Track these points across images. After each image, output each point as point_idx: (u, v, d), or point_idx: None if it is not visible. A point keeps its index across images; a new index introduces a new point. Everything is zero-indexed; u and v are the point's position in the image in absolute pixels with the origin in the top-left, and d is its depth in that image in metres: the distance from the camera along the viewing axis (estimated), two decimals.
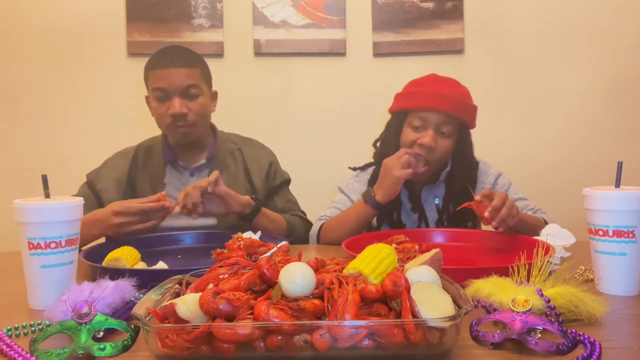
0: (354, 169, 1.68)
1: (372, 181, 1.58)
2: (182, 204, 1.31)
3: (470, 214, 1.48)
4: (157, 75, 1.44)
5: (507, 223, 1.25)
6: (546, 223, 1.43)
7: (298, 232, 1.55)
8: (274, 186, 1.62)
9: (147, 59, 1.50)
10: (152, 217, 1.30)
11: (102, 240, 1.38)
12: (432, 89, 1.47)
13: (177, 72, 1.43)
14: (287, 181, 1.68)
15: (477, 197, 1.27)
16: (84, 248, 1.24)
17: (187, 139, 1.50)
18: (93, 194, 1.51)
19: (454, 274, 0.81)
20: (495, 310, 0.74)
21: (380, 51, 2.23)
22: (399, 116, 1.53)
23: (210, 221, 1.51)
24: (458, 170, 1.55)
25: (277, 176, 1.64)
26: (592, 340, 0.66)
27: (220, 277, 0.72)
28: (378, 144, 1.64)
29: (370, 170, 1.63)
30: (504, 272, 0.83)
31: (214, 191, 1.32)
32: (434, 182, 1.57)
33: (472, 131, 1.58)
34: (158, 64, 1.45)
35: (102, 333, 0.72)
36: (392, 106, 1.57)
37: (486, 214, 1.23)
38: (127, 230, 1.29)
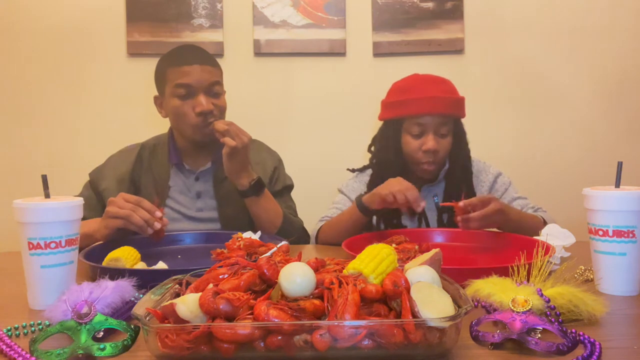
0: (353, 170, 1.68)
1: (372, 183, 1.58)
2: (225, 126, 1.32)
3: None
4: (181, 72, 1.41)
5: (472, 229, 1.30)
6: (545, 223, 1.43)
7: (293, 230, 1.51)
8: (274, 191, 1.58)
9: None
10: (145, 221, 1.22)
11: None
12: (422, 93, 1.48)
13: (203, 68, 1.41)
14: (289, 187, 1.65)
15: (460, 205, 1.29)
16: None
17: (212, 137, 1.41)
18: (95, 194, 1.49)
19: (454, 274, 0.81)
20: (495, 310, 0.74)
21: (380, 51, 2.23)
22: (395, 124, 1.54)
23: (211, 220, 1.51)
24: (456, 165, 1.57)
25: (278, 181, 1.61)
26: (592, 340, 0.66)
27: (220, 277, 0.72)
28: (372, 148, 1.65)
29: (369, 172, 1.64)
30: (504, 272, 0.84)
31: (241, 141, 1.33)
32: (433, 180, 1.58)
33: (470, 132, 1.60)
34: (181, 60, 1.42)
35: (102, 333, 0.72)
36: (382, 114, 1.58)
37: (458, 218, 1.28)
38: (118, 221, 1.21)
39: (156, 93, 1.52)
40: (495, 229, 1.38)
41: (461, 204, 1.29)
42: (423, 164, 1.51)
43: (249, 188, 1.40)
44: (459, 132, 1.56)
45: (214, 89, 1.43)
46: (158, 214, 1.23)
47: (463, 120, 1.59)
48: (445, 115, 1.48)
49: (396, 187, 1.32)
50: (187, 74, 1.40)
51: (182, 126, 1.46)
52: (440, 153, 1.50)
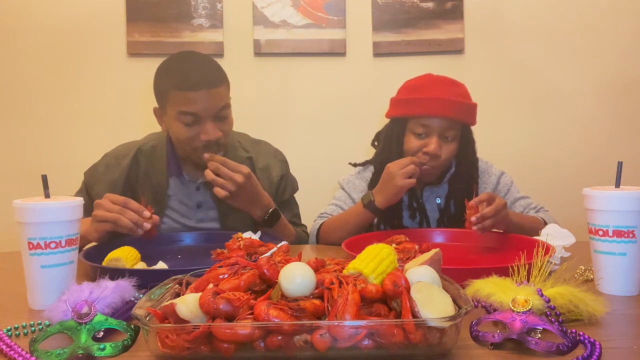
0: (355, 165, 1.67)
1: (373, 181, 1.57)
2: (213, 175, 1.26)
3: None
4: (186, 98, 1.27)
5: (487, 229, 1.27)
6: (546, 223, 1.43)
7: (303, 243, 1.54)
8: (282, 201, 1.54)
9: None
10: (133, 222, 1.20)
11: None
12: (431, 94, 1.45)
13: (210, 94, 1.28)
14: (295, 190, 1.62)
15: (472, 203, 1.28)
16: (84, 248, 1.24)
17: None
18: (89, 197, 1.43)
19: (454, 274, 0.81)
20: (495, 310, 0.74)
21: (380, 51, 2.23)
22: (400, 123, 1.51)
23: (212, 223, 1.50)
24: (462, 170, 1.55)
25: (285, 191, 1.56)
26: (592, 340, 0.66)
27: (220, 277, 0.72)
28: (376, 143, 1.63)
29: (372, 168, 1.62)
30: (504, 272, 0.84)
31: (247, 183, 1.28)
32: (437, 183, 1.57)
33: (471, 131, 1.58)
34: (186, 84, 1.27)
35: (102, 333, 0.72)
36: (389, 111, 1.56)
37: (473, 218, 1.25)
38: (106, 225, 1.19)
39: (155, 101, 1.42)
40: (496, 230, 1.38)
41: (473, 203, 1.28)
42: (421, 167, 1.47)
43: (263, 220, 1.37)
44: (467, 139, 1.53)
45: (222, 113, 1.33)
46: (146, 213, 1.21)
47: None
48: (453, 119, 1.44)
49: (400, 170, 1.35)
50: (193, 102, 1.27)
51: (184, 148, 1.38)
52: (441, 158, 1.46)
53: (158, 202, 1.44)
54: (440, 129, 1.44)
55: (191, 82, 1.27)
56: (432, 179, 1.54)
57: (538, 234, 1.25)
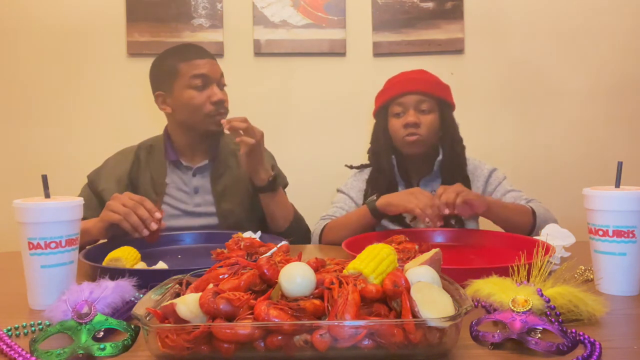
0: (351, 167, 1.70)
1: (371, 181, 1.62)
2: (244, 124, 1.36)
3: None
4: (195, 65, 1.47)
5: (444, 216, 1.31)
6: (534, 212, 1.43)
7: (302, 227, 1.57)
8: None
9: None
10: (142, 220, 1.22)
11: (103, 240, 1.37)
12: (402, 77, 1.59)
13: (213, 62, 1.50)
14: (286, 185, 1.66)
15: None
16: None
17: (221, 127, 1.48)
18: (95, 195, 1.50)
19: (454, 274, 0.81)
20: (495, 310, 0.74)
21: (380, 51, 2.23)
22: (382, 113, 1.62)
23: (209, 215, 1.52)
24: (448, 155, 1.59)
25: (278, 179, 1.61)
26: (592, 340, 0.66)
27: (220, 277, 0.72)
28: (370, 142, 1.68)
29: (368, 170, 1.66)
30: (504, 272, 0.84)
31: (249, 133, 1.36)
32: (429, 172, 1.60)
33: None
34: (192, 55, 1.48)
35: (102, 333, 0.72)
36: (374, 110, 1.65)
37: (427, 220, 1.30)
38: (115, 216, 1.22)
39: (152, 100, 1.53)
40: (496, 227, 1.38)
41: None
42: (406, 137, 1.53)
43: (267, 183, 1.44)
44: (448, 120, 1.59)
45: (222, 81, 1.51)
46: (157, 215, 1.23)
47: (463, 119, 1.61)
48: (424, 92, 1.53)
49: (422, 202, 1.31)
50: (202, 66, 1.47)
51: (195, 117, 1.48)
52: (422, 128, 1.53)
53: (157, 190, 1.49)
54: (415, 103, 1.54)
55: (196, 53, 1.49)
56: (422, 149, 1.57)
57: (525, 222, 1.25)
